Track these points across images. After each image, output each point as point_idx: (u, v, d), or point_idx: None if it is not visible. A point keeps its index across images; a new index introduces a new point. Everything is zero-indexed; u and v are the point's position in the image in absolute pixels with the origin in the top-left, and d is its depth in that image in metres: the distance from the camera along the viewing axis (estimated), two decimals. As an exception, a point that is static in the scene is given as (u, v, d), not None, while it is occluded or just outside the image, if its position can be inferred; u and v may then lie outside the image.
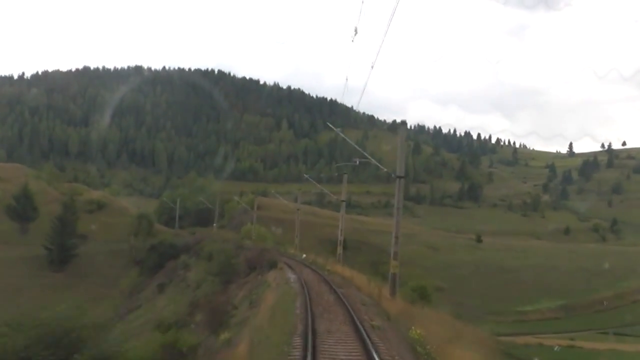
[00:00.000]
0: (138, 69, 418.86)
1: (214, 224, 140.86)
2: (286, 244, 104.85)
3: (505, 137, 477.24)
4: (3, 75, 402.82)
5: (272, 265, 55.67)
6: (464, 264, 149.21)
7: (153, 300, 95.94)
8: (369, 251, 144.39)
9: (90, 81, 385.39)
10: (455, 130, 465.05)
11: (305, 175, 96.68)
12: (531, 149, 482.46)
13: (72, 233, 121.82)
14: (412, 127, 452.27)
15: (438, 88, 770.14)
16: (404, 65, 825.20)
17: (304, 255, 75.33)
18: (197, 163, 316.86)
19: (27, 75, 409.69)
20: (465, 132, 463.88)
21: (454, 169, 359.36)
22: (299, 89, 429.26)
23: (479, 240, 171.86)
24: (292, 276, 46.61)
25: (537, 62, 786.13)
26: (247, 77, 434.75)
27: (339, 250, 62.95)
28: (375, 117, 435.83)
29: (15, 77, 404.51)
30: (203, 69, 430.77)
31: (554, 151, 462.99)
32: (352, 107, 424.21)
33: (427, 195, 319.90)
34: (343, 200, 61.27)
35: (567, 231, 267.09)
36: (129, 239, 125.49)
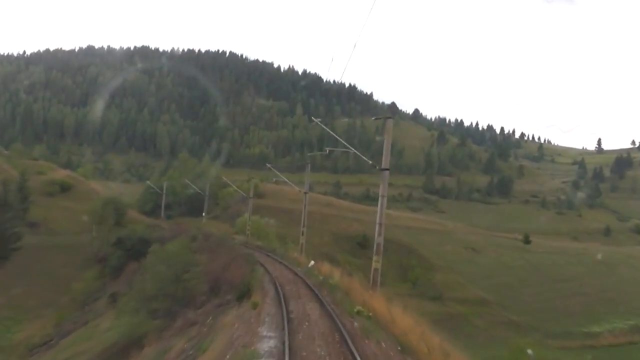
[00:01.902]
0: (144, 49, 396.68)
1: (203, 214, 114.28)
2: (290, 243, 78.91)
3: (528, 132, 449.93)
4: (4, 53, 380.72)
5: (244, 294, 27.89)
6: (511, 270, 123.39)
7: (103, 315, 69.07)
8: (396, 252, 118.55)
9: (92, 60, 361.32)
10: (477, 123, 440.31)
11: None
12: (556, 144, 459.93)
13: (17, 220, 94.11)
14: (433, 119, 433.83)
15: (459, 79, 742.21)
16: (424, 55, 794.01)
17: (312, 263, 47.71)
18: (202, 148, 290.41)
19: (28, 53, 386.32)
20: (488, 126, 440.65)
21: (481, 161, 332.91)
22: (315, 73, 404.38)
23: (527, 241, 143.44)
24: (268, 343, 18.44)
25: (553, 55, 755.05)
26: (260, 60, 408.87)
27: (376, 264, 34.23)
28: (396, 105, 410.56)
29: (15, 55, 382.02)
30: (213, 51, 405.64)
31: (580, 147, 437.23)
32: (371, 93, 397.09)
33: (454, 189, 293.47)
34: (385, 169, 33.39)
35: (607, 232, 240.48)
36: (91, 230, 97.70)
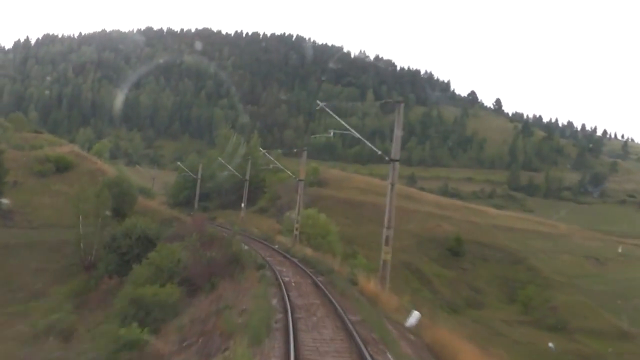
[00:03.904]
0: (206, 31, 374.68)
1: (242, 205, 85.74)
2: (360, 256, 50.69)
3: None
4: (57, 34, 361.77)
5: None
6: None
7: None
8: (499, 261, 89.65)
9: (149, 41, 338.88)
10: (557, 120, 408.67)
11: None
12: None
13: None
14: (511, 114, 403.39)
15: (539, 75, 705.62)
16: (506, 48, 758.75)
17: (415, 318, 18.78)
18: (262, 135, 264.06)
19: (84, 33, 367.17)
20: (568, 122, 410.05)
21: (570, 157, 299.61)
22: (389, 59, 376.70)
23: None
24: None
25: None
26: (329, 44, 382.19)
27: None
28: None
29: (68, 36, 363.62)
30: (278, 34, 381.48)
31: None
32: (449, 81, 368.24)
33: (541, 185, 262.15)
34: None
35: None
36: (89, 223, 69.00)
